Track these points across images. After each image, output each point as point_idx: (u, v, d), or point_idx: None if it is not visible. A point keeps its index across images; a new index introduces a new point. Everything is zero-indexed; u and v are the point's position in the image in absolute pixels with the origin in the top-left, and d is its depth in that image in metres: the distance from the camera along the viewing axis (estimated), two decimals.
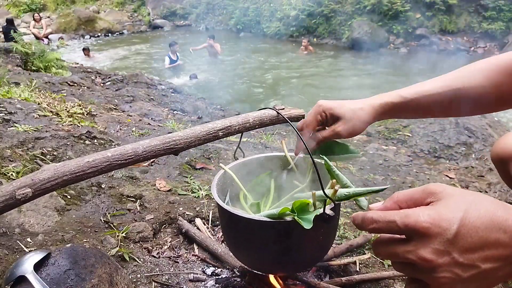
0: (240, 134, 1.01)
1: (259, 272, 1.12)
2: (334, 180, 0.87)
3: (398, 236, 0.50)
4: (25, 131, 2.05)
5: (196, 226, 1.45)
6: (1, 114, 2.27)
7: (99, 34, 14.96)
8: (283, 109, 1.02)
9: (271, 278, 1.09)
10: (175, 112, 4.55)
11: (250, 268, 1.10)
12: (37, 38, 11.90)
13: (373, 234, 1.37)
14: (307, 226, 0.74)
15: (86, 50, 10.63)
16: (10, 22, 7.85)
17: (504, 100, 0.87)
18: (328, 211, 0.78)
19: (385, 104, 0.91)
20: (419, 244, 0.46)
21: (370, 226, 0.50)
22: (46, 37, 12.91)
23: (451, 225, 0.45)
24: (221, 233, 1.43)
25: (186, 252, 1.33)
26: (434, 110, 0.91)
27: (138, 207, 1.54)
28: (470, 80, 0.86)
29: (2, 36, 7.61)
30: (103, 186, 1.68)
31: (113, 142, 2.24)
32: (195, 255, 1.31)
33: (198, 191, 1.69)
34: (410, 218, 0.47)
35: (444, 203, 0.47)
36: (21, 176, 1.35)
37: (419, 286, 0.50)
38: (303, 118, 1.07)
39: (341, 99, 0.97)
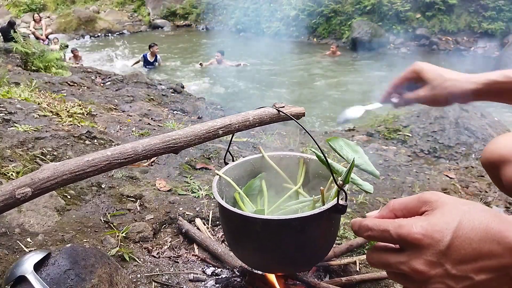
0: (231, 136, 1.00)
1: (264, 273, 1.11)
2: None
3: (393, 245, 0.50)
4: (25, 131, 2.05)
5: (196, 226, 1.45)
6: (1, 114, 2.27)
7: (99, 34, 14.94)
8: (283, 107, 1.02)
9: (273, 277, 1.09)
10: (175, 112, 4.54)
11: (261, 270, 1.10)
12: (37, 38, 11.88)
13: None
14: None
15: (75, 51, 9.32)
16: (10, 24, 7.82)
17: None
18: (341, 201, 0.82)
19: (489, 82, 0.82)
20: (412, 255, 0.46)
21: (365, 233, 0.51)
22: (47, 37, 12.91)
23: (444, 236, 0.45)
24: (221, 233, 1.43)
25: (186, 252, 1.33)
26: None
27: (138, 207, 1.54)
28: None
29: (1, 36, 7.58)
30: (103, 186, 1.68)
31: (113, 142, 2.24)
32: (195, 255, 1.31)
33: (198, 191, 1.69)
34: (403, 229, 0.47)
35: (438, 213, 0.47)
36: (21, 176, 1.34)
37: None
38: (303, 116, 1.07)
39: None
